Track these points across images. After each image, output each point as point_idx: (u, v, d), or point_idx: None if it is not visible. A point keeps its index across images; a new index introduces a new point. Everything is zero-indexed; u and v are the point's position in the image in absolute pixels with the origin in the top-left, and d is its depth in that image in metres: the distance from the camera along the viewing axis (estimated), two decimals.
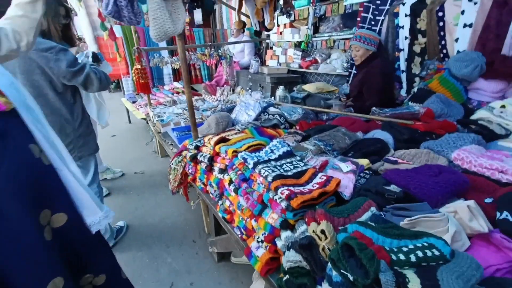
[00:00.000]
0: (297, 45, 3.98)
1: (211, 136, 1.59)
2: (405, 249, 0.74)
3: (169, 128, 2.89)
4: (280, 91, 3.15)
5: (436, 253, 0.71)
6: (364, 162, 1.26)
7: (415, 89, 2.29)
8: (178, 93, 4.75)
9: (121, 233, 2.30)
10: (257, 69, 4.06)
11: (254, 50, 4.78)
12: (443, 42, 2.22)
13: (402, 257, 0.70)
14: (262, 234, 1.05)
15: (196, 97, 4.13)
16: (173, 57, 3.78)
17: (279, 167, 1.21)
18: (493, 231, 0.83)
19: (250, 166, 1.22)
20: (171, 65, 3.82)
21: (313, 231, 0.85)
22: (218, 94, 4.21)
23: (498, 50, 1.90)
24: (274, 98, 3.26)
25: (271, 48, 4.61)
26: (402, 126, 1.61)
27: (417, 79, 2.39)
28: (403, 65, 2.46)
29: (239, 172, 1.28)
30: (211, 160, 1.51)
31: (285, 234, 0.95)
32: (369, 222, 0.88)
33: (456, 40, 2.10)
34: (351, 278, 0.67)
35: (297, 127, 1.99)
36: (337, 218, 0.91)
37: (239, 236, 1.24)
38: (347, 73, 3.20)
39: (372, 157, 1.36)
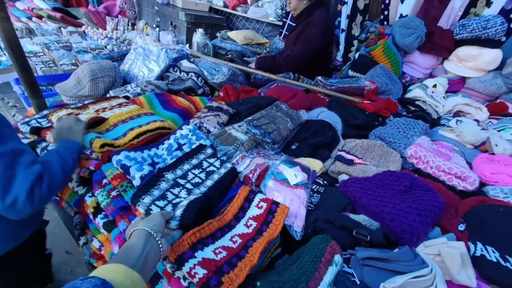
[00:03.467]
0: None
1: (69, 112, 0.86)
2: None
3: (11, 78, 1.76)
4: (198, 36, 2.37)
5: None
6: (316, 165, 0.89)
7: (354, 54, 2.03)
8: (40, 17, 3.10)
9: None
10: None
11: None
12: (386, 1, 1.95)
13: None
14: None
15: (70, 28, 2.77)
16: None
17: (182, 183, 0.69)
18: (480, 283, 0.63)
19: (137, 183, 0.65)
20: None
21: None
22: (109, 28, 2.95)
23: (437, 20, 1.77)
24: (190, 46, 2.47)
25: None
26: (351, 105, 1.31)
27: (355, 42, 2.13)
28: (344, 22, 2.12)
29: (113, 193, 0.68)
30: None
31: None
32: None
33: (402, 0, 1.85)
34: None
35: (221, 93, 1.43)
36: None
37: None
38: (280, 23, 2.66)
39: (322, 151, 1.01)
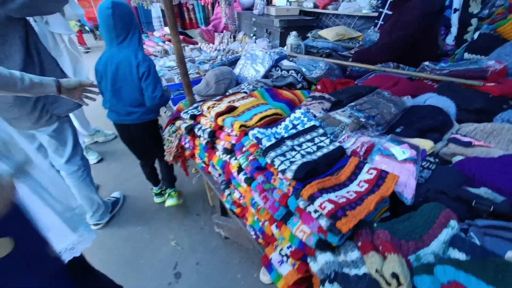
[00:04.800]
0: None
1: (212, 103, 1.21)
2: None
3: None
4: (292, 38, 2.58)
5: None
6: (426, 144, 0.91)
7: (472, 35, 1.77)
8: (169, 40, 4.08)
9: (117, 205, 2.10)
10: (262, 9, 3.34)
11: None
12: None
13: None
14: (288, 247, 0.77)
15: (191, 46, 3.52)
16: None
17: (297, 149, 0.87)
18: None
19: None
20: (160, 5, 3.13)
21: (377, 270, 0.55)
22: (217, 42, 3.58)
23: None
24: (285, 48, 2.71)
25: None
26: (465, 88, 1.20)
27: (473, 21, 1.84)
28: (457, 1, 1.87)
29: (251, 157, 0.94)
30: (213, 135, 1.15)
31: (324, 258, 0.67)
32: (463, 257, 0.58)
33: None
34: None
35: (319, 87, 1.57)
36: (406, 242, 0.62)
37: (253, 237, 0.98)
38: (375, 14, 2.57)
39: (431, 134, 1.00)
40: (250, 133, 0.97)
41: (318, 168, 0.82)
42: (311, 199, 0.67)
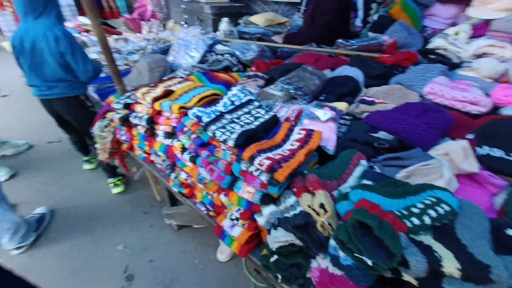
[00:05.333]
0: None
1: (147, 89, 1.16)
2: (415, 210, 0.62)
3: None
4: (224, 24, 2.60)
5: (446, 208, 0.62)
6: (342, 106, 1.08)
7: (374, 17, 2.10)
8: (87, 31, 3.60)
9: (43, 222, 1.82)
10: None
11: None
12: None
13: (416, 221, 0.59)
14: (237, 211, 0.84)
15: (115, 36, 3.19)
16: None
17: (236, 121, 0.95)
18: (481, 169, 0.79)
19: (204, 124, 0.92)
20: None
21: (309, 206, 0.67)
22: (145, 32, 3.33)
23: None
24: (217, 33, 2.71)
25: None
26: (371, 60, 1.45)
27: (373, 5, 2.18)
28: None
29: (193, 136, 0.96)
30: (151, 121, 1.12)
31: (268, 210, 0.76)
32: (370, 183, 0.74)
33: None
34: (369, 262, 0.53)
35: (253, 68, 1.66)
36: (330, 182, 0.75)
37: (205, 212, 1.02)
38: (298, 0, 2.78)
39: (346, 98, 1.19)
40: (190, 112, 0.99)
41: (257, 135, 0.90)
42: (251, 159, 0.75)
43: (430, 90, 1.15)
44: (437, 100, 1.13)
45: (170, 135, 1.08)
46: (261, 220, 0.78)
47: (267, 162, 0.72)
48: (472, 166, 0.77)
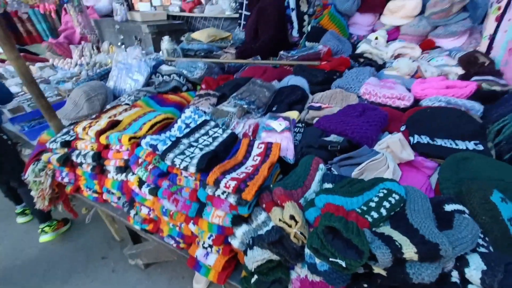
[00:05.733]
0: None
1: (88, 123, 1.05)
2: (372, 204, 0.69)
3: (4, 119, 1.87)
4: (166, 43, 2.52)
5: (397, 197, 0.70)
6: (294, 115, 1.15)
7: (307, 28, 2.30)
8: (3, 61, 3.11)
9: None
10: (125, 15, 3.08)
11: None
12: None
13: (375, 215, 0.65)
14: (209, 238, 0.81)
15: (39, 64, 2.83)
16: None
17: (194, 145, 0.92)
18: (415, 155, 0.91)
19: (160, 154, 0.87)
20: None
21: (280, 219, 0.68)
22: (76, 56, 3.03)
23: None
24: (160, 53, 2.63)
25: None
26: (311, 68, 1.57)
27: (306, 17, 2.39)
28: (292, 2, 2.36)
29: (150, 167, 0.90)
30: (99, 158, 1.02)
31: (241, 230, 0.75)
32: (330, 185, 0.79)
33: None
34: (343, 264, 0.56)
35: (203, 85, 1.65)
36: (295, 191, 0.78)
37: (174, 245, 0.95)
38: (237, 15, 2.88)
39: (296, 106, 1.27)
40: (143, 142, 0.93)
41: (218, 156, 0.89)
42: (216, 182, 0.73)
43: (365, 90, 1.30)
44: (372, 98, 1.28)
45: (123, 169, 0.99)
46: (235, 243, 0.77)
47: (233, 183, 0.71)
48: (409, 154, 0.89)
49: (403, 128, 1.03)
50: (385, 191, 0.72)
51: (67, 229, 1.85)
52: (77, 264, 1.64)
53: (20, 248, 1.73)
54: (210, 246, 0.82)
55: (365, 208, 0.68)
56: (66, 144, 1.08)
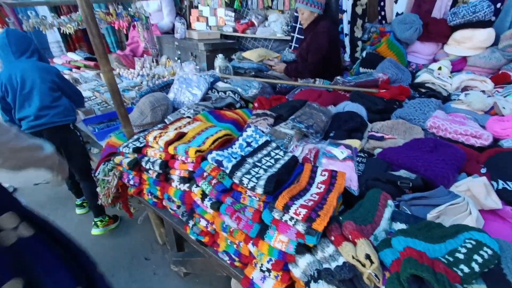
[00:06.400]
0: (229, 4, 3.44)
1: (158, 133, 1.14)
2: (459, 255, 0.62)
3: (78, 119, 2.11)
4: (220, 60, 2.70)
5: (490, 252, 0.62)
6: (355, 143, 1.12)
7: (361, 54, 2.28)
8: (78, 68, 3.59)
9: None
10: (184, 34, 3.37)
11: (175, 9, 3.93)
12: (382, 4, 2.22)
13: (466, 269, 0.59)
14: (268, 261, 0.80)
15: None
16: (61, 17, 2.71)
17: (258, 165, 0.94)
18: (504, 206, 0.82)
19: (228, 171, 0.90)
20: (59, 29, 2.75)
21: (353, 257, 0.65)
22: (138, 67, 3.36)
23: (430, 12, 2.00)
24: (215, 71, 2.80)
25: (196, 7, 3.88)
26: (368, 94, 1.54)
27: (359, 43, 2.38)
28: (346, 28, 2.38)
29: (214, 182, 0.94)
30: (165, 166, 1.09)
31: (305, 260, 0.73)
32: (403, 226, 0.74)
33: (396, 1, 2.11)
34: None
35: (256, 104, 1.70)
36: (365, 226, 0.74)
37: (228, 262, 0.96)
38: (289, 37, 2.97)
39: (355, 134, 1.24)
40: (209, 157, 0.97)
41: (281, 178, 0.89)
42: (286, 208, 0.73)
43: (432, 124, 1.22)
44: (440, 133, 1.20)
45: (187, 180, 1.05)
46: (297, 272, 0.75)
47: (304, 211, 0.70)
48: (496, 202, 0.80)
49: (483, 170, 0.94)
50: (474, 242, 0.65)
51: (115, 227, 1.98)
52: (123, 261, 1.73)
53: (73, 235, 1.88)
54: (269, 270, 0.80)
55: (451, 259, 0.62)
56: (136, 150, 1.18)
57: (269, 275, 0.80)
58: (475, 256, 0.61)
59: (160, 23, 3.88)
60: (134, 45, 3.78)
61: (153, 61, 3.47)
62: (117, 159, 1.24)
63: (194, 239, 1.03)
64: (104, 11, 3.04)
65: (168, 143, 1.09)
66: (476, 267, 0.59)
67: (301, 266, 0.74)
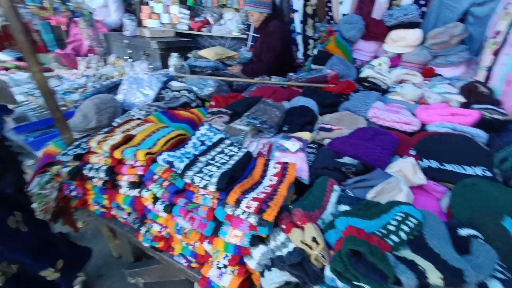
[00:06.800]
0: (183, 2, 3.33)
1: (103, 137, 1.06)
2: (391, 227, 0.70)
3: (7, 128, 1.85)
4: (174, 59, 2.59)
5: (414, 221, 0.71)
6: (306, 136, 1.17)
7: (313, 51, 2.40)
8: (7, 69, 3.12)
9: None
10: (134, 31, 3.17)
11: (124, 5, 3.67)
12: (329, 4, 2.36)
13: (395, 238, 0.66)
14: (224, 258, 0.80)
15: (45, 74, 2.84)
16: None
17: (211, 163, 0.93)
18: (429, 182, 0.94)
19: (180, 171, 0.87)
20: None
21: (301, 241, 0.68)
22: (82, 67, 3.07)
23: (369, 13, 2.20)
24: (169, 69, 2.69)
25: (147, 3, 3.67)
26: (318, 90, 1.63)
27: (311, 41, 2.50)
28: (298, 27, 2.49)
29: (166, 183, 0.90)
30: (112, 172, 1.01)
31: (259, 251, 0.74)
32: (347, 207, 0.80)
33: (341, 3, 2.27)
34: None
35: (213, 103, 1.68)
36: (313, 212, 0.78)
37: (185, 264, 0.93)
38: (245, 36, 3.00)
39: (306, 127, 1.30)
40: (159, 158, 0.93)
41: (235, 175, 0.90)
42: (238, 202, 0.73)
43: (373, 114, 1.34)
44: (380, 122, 1.33)
45: (136, 184, 0.99)
46: (252, 263, 0.76)
47: (255, 204, 0.72)
48: (422, 179, 0.91)
49: (412, 152, 1.06)
50: (403, 215, 0.73)
51: None
52: None
53: None
54: (225, 266, 0.80)
55: (384, 232, 0.69)
56: (78, 157, 1.08)
57: (226, 270, 0.80)
58: (403, 226, 0.69)
59: (106, 19, 3.59)
60: (77, 43, 3.43)
61: (100, 61, 3.20)
62: (55, 169, 1.11)
63: (148, 246, 0.98)
64: (38, 5, 2.71)
65: (114, 147, 1.01)
66: (404, 236, 0.67)
67: (256, 257, 0.75)
